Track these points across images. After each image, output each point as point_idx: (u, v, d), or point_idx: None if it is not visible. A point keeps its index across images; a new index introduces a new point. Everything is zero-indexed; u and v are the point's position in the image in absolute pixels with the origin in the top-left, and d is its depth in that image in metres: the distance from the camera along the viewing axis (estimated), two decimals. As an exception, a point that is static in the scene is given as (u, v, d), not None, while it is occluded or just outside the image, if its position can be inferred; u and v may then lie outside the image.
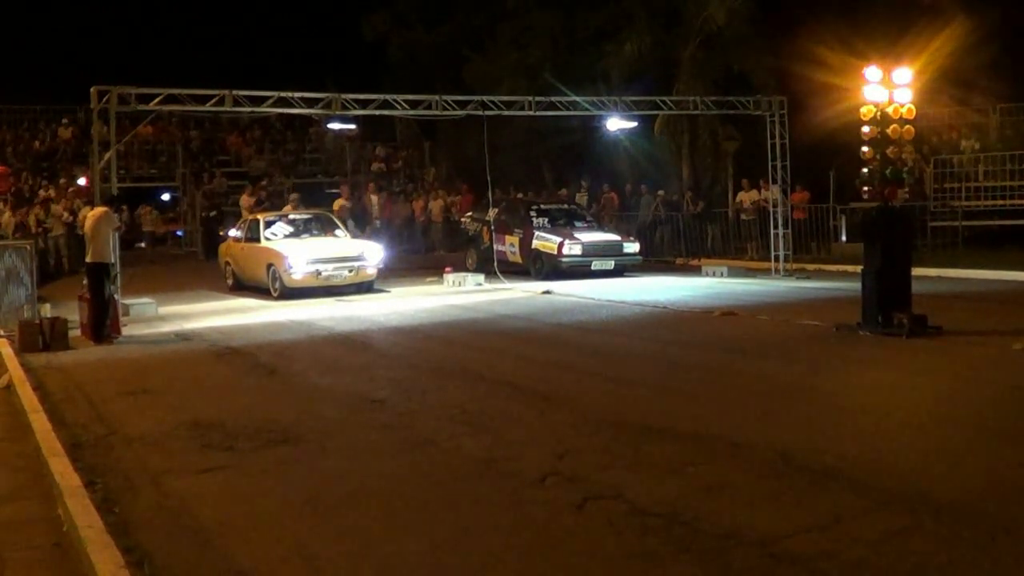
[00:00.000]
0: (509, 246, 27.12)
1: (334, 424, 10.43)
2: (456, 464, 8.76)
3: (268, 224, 24.39)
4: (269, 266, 22.86)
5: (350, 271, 22.84)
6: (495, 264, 26.14)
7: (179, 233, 43.27)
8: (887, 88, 15.33)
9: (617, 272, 25.94)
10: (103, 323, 16.86)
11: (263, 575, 6.46)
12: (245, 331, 17.70)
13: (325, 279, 22.42)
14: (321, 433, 10.00)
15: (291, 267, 22.14)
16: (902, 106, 15.30)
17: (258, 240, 23.82)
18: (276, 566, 6.59)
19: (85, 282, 17.51)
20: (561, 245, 25.56)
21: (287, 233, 24.12)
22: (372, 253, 23.54)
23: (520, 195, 34.51)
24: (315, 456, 9.19)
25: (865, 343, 14.50)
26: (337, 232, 24.65)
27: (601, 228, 28.31)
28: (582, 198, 34.91)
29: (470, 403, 11.15)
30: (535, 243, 26.18)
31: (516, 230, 27.05)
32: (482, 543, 6.84)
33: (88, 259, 17.26)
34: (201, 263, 33.72)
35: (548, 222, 26.98)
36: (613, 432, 9.68)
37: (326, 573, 6.44)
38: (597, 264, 25.79)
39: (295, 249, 22.72)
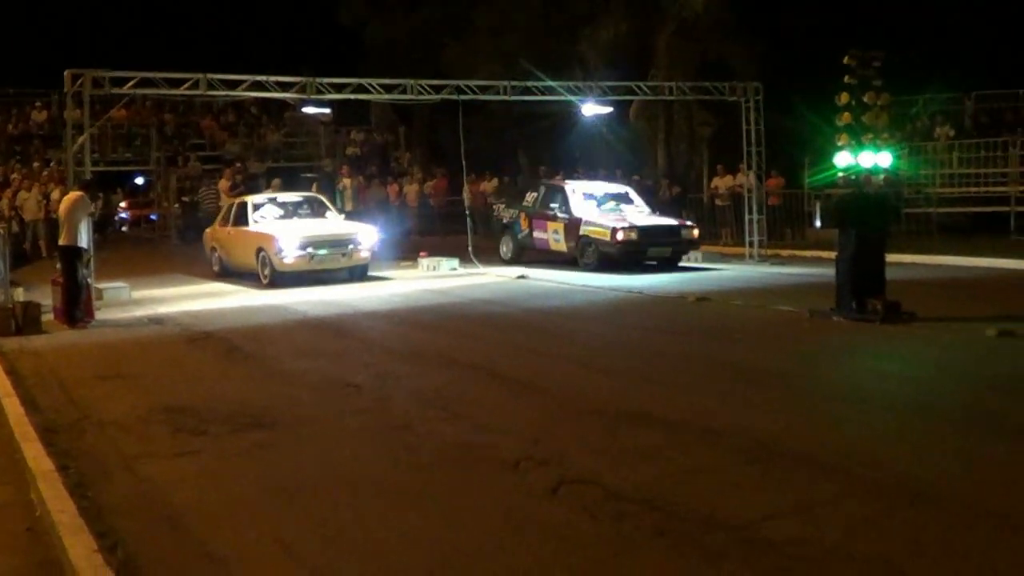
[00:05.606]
0: (552, 233, 24.69)
1: (309, 409, 10.41)
2: (431, 449, 8.75)
3: (256, 207, 23.48)
4: (259, 251, 21.89)
5: (344, 255, 21.99)
6: (531, 253, 25.19)
7: (153, 217, 43.15)
8: (863, 74, 15.35)
9: (673, 260, 23.84)
10: (76, 307, 16.77)
11: (238, 560, 6.44)
12: (219, 315, 17.64)
13: (318, 263, 21.59)
14: (296, 418, 9.98)
15: (282, 250, 21.21)
16: (878, 93, 15.33)
17: (246, 224, 22.86)
18: (251, 550, 6.58)
19: (58, 266, 17.44)
20: (615, 231, 22.94)
21: (276, 216, 23.31)
22: (366, 235, 22.53)
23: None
24: (290, 441, 9.18)
25: (839, 329, 14.54)
26: (328, 214, 23.97)
27: (654, 211, 25.62)
28: None
29: (445, 388, 11.15)
30: (583, 229, 23.64)
31: (561, 216, 24.48)
32: (457, 527, 6.84)
33: (61, 242, 17.17)
34: (176, 247, 33.62)
35: (597, 207, 24.56)
36: (588, 418, 9.69)
37: (301, 558, 6.42)
38: (654, 251, 23.45)
39: (286, 232, 21.79)
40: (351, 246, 22.11)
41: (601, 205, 24.62)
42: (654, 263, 23.42)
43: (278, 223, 22.74)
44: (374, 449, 8.86)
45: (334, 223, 23.42)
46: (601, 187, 26.32)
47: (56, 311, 17.26)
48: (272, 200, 24.27)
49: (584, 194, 25.00)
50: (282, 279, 21.37)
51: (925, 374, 11.74)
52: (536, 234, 25.21)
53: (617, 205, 24.85)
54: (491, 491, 7.58)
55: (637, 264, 22.93)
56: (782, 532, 6.50)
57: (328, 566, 6.29)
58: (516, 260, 25.48)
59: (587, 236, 23.51)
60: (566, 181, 27.31)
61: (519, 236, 25.88)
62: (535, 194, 26.00)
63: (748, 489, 7.41)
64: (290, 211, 23.74)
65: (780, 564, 6.06)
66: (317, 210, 24.18)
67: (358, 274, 22.46)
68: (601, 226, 23.31)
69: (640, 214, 24.46)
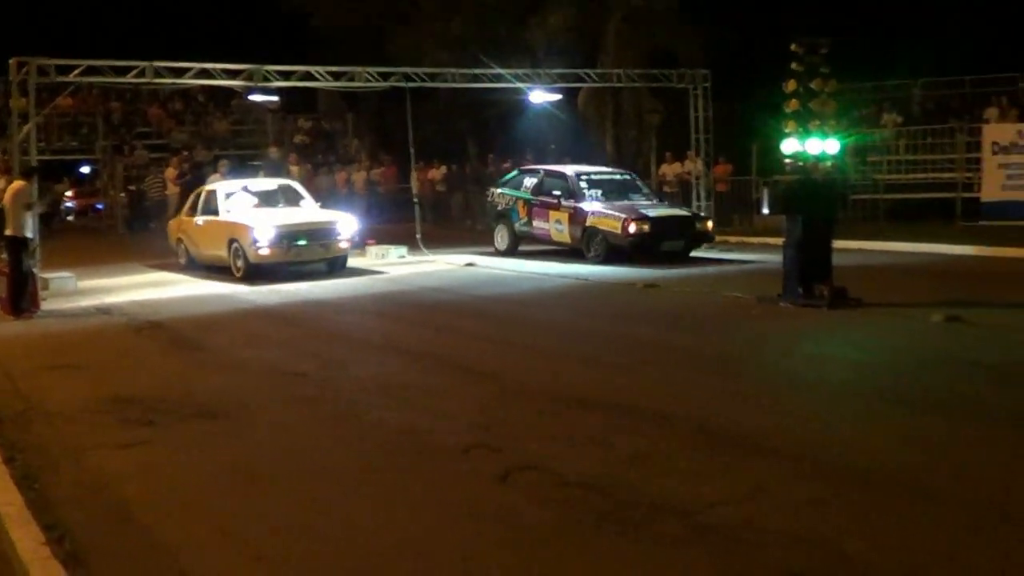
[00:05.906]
0: (555, 223, 23.01)
1: (257, 398, 10.36)
2: (379, 437, 8.74)
3: (228, 195, 21.97)
4: (231, 242, 20.59)
5: (322, 246, 20.73)
6: (523, 243, 24.19)
7: (99, 206, 42.79)
8: (811, 61, 15.42)
9: (685, 252, 22.20)
10: (22, 297, 16.64)
11: (187, 551, 6.40)
12: (166, 304, 17.53)
13: (296, 254, 20.36)
14: (243, 407, 9.94)
15: (257, 241, 19.83)
16: (825, 80, 15.41)
17: (216, 213, 21.51)
18: (200, 541, 6.54)
19: (4, 256, 17.30)
20: (626, 223, 21.29)
21: (249, 204, 21.83)
22: (345, 225, 21.20)
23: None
24: (238, 430, 9.14)
25: (786, 315, 14.63)
26: (302, 203, 22.52)
27: (662, 200, 24.68)
28: None
29: (393, 375, 11.16)
30: (591, 220, 22.03)
31: (564, 204, 22.82)
32: (405, 516, 6.84)
33: (7, 232, 17.03)
34: (122, 237, 33.39)
35: (602, 195, 22.93)
36: (537, 404, 9.70)
37: (250, 548, 6.39)
38: (668, 245, 21.84)
39: (261, 220, 20.41)
40: (331, 236, 20.91)
41: (607, 193, 23.09)
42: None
43: (251, 212, 21.36)
44: (323, 437, 8.84)
45: (311, 211, 22.07)
46: (606, 173, 24.84)
47: (1, 302, 17.11)
48: (244, 188, 22.78)
49: (588, 181, 23.39)
50: (257, 272, 20.22)
51: (871, 359, 11.84)
52: (536, 223, 23.60)
53: (624, 193, 23.43)
54: (440, 478, 7.58)
55: (651, 259, 21.11)
56: (731, 516, 6.53)
57: (278, 555, 6.27)
58: (513, 251, 24.30)
59: (594, 227, 22.01)
60: (567, 166, 25.29)
61: (517, 225, 24.22)
62: (534, 180, 24.33)
63: (696, 474, 7.44)
64: (263, 199, 22.28)
65: (728, 548, 6.09)
66: (291, 198, 22.78)
67: (338, 266, 21.38)
68: (611, 217, 21.82)
69: (649, 204, 23.14)
